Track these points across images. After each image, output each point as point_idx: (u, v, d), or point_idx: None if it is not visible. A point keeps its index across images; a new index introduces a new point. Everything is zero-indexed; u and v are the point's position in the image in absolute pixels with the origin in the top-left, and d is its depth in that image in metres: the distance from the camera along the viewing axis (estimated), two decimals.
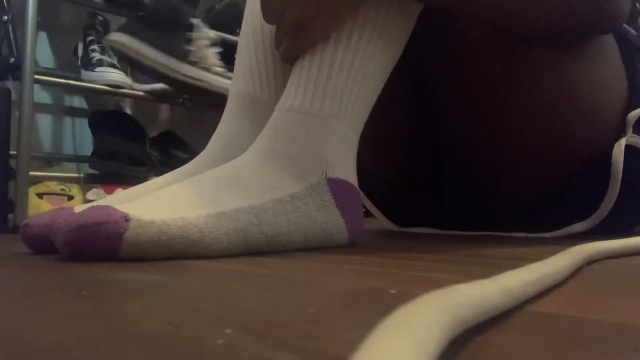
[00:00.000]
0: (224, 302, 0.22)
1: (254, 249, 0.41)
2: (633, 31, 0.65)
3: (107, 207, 0.37)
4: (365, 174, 0.82)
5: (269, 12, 0.51)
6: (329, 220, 0.45)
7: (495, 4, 0.50)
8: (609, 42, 0.61)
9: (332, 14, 0.47)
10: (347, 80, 0.46)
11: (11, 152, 1.18)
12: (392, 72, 0.51)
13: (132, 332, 0.17)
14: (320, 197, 0.45)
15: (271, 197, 0.42)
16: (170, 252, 0.37)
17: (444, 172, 0.71)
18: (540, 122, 0.59)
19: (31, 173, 1.20)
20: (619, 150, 0.58)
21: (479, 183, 0.67)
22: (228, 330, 0.17)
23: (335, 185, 0.47)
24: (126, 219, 0.35)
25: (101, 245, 0.35)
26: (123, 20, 1.51)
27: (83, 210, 0.36)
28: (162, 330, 0.17)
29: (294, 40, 0.49)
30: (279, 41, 0.52)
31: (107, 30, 1.52)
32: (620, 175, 0.58)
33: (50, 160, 1.53)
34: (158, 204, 0.38)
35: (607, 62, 0.60)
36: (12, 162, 1.19)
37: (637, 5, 0.66)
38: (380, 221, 0.83)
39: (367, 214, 1.17)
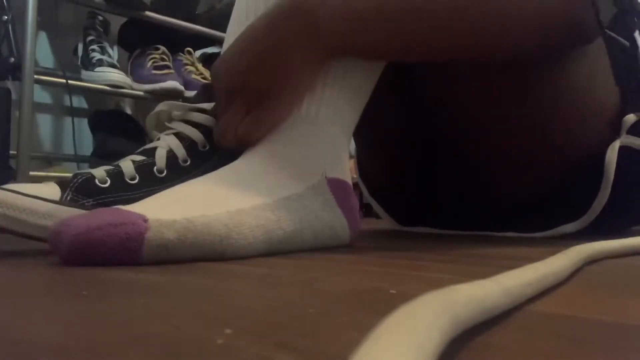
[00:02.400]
0: (224, 302, 0.22)
1: (275, 245, 0.40)
2: (625, 42, 0.65)
3: (115, 208, 0.35)
4: (367, 175, 0.83)
5: (226, 79, 0.46)
6: (334, 218, 0.46)
7: (438, 42, 0.47)
8: (597, 50, 0.61)
9: (299, 82, 0.45)
10: (341, 89, 0.47)
11: (11, 152, 1.18)
12: (385, 80, 0.51)
13: (132, 332, 0.17)
14: (322, 197, 0.45)
15: (281, 196, 0.42)
16: (197, 251, 0.36)
17: (439, 172, 0.71)
18: (534, 125, 0.59)
19: (31, 173, 1.20)
20: (612, 152, 0.59)
21: (473, 184, 0.67)
22: (228, 330, 0.17)
23: (334, 185, 0.47)
24: (144, 219, 0.34)
25: (119, 248, 0.33)
26: (123, 20, 1.51)
27: (88, 213, 0.35)
28: (162, 330, 0.17)
29: (258, 116, 0.46)
30: (231, 122, 0.46)
31: (107, 30, 1.52)
32: (612, 176, 0.58)
33: (50, 160, 1.53)
34: (170, 204, 0.37)
35: (596, 68, 0.61)
36: (12, 162, 1.19)
37: (635, 19, 0.67)
38: (385, 220, 0.83)
39: (367, 213, 1.17)
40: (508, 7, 0.47)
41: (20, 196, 0.40)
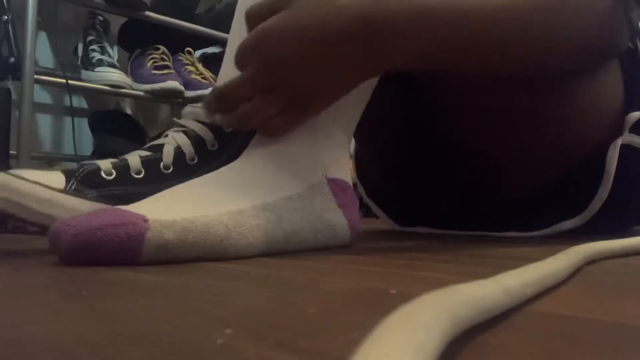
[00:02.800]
0: (224, 302, 0.22)
1: (275, 245, 0.40)
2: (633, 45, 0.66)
3: (116, 209, 0.35)
4: (366, 174, 0.83)
5: (270, 74, 0.43)
6: (334, 218, 0.46)
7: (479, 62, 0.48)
8: None
9: (338, 86, 0.45)
10: None
11: (11, 152, 1.18)
12: (386, 80, 0.51)
13: (132, 332, 0.17)
14: (323, 197, 0.45)
15: (281, 196, 0.42)
16: (197, 251, 0.36)
17: (438, 172, 0.71)
18: (535, 125, 0.59)
19: None
20: (613, 150, 0.59)
21: (473, 183, 0.67)
22: (228, 330, 0.17)
23: (335, 185, 0.47)
24: (144, 219, 0.34)
25: (120, 249, 0.33)
26: (123, 20, 1.51)
27: (89, 214, 0.35)
28: (162, 330, 0.17)
29: (293, 116, 0.45)
30: (262, 110, 0.44)
31: (107, 30, 1.52)
32: (612, 173, 0.58)
33: (50, 160, 1.53)
34: (170, 204, 0.37)
35: (604, 68, 0.61)
36: (12, 162, 1.19)
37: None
38: (383, 220, 0.83)
39: (367, 214, 1.17)
40: (557, 29, 0.49)
41: (24, 182, 0.40)
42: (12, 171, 0.41)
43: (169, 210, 0.36)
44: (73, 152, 1.47)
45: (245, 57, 0.43)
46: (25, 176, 0.41)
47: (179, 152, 0.49)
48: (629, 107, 0.62)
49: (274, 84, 0.43)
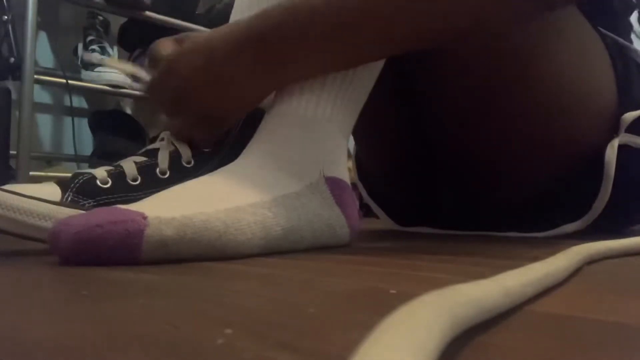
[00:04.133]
0: (224, 302, 0.22)
1: (273, 242, 0.40)
2: (621, 40, 0.65)
3: (114, 207, 0.35)
4: (366, 174, 0.83)
5: (176, 101, 0.49)
6: (332, 217, 0.46)
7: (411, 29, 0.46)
8: (595, 45, 0.61)
9: (243, 100, 0.49)
10: (339, 88, 0.47)
11: (11, 152, 1.18)
12: (384, 80, 0.51)
13: (132, 332, 0.17)
14: (321, 195, 0.45)
15: (278, 194, 0.42)
16: (195, 247, 0.36)
17: (439, 172, 0.71)
18: (532, 124, 0.59)
19: (31, 173, 1.20)
20: (611, 151, 0.59)
21: (472, 184, 0.67)
22: (228, 330, 0.17)
23: (333, 184, 0.47)
24: (142, 216, 0.34)
25: (119, 245, 0.33)
26: (123, 20, 1.51)
27: (88, 212, 0.35)
28: (162, 330, 0.17)
29: (203, 128, 0.50)
30: (181, 127, 0.51)
31: (107, 30, 1.52)
32: (612, 175, 0.58)
33: (50, 160, 1.53)
34: (169, 202, 0.37)
35: (594, 65, 0.61)
36: (12, 162, 1.19)
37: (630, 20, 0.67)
38: (383, 220, 0.83)
39: (367, 213, 1.17)
40: None
41: (20, 197, 0.40)
42: (5, 187, 0.41)
43: (168, 208, 0.36)
44: (73, 152, 1.47)
45: (156, 91, 0.50)
46: (19, 191, 0.41)
47: (174, 155, 0.49)
48: (622, 107, 0.62)
49: (181, 107, 0.49)
